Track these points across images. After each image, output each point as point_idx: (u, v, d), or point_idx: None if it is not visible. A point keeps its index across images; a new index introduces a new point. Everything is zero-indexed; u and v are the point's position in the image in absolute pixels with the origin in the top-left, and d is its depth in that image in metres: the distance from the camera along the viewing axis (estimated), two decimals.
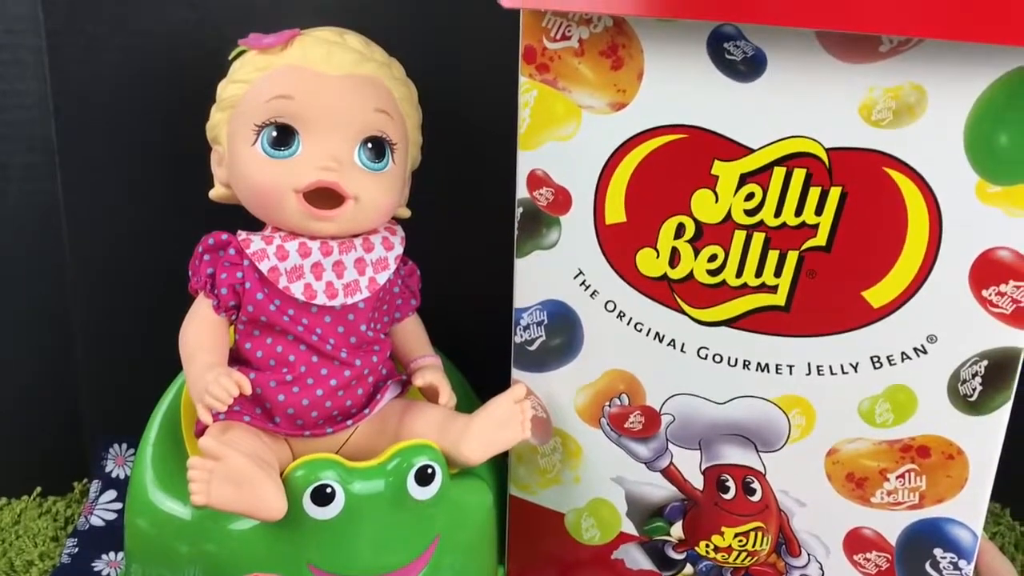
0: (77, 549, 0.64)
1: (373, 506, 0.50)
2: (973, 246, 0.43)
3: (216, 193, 0.57)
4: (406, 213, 0.60)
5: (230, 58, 0.55)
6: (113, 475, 0.69)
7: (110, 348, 0.68)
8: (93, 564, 0.63)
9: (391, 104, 0.55)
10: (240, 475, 0.47)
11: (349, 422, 0.55)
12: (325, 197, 0.52)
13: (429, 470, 0.51)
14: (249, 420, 0.53)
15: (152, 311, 0.62)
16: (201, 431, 0.55)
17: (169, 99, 0.64)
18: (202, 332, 0.54)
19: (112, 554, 0.63)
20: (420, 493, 0.51)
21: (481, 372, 0.62)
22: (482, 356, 0.62)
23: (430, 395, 0.58)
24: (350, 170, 0.53)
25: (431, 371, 0.59)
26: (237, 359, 0.56)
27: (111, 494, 0.68)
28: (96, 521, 0.66)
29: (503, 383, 0.57)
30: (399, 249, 0.57)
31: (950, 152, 0.42)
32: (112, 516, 0.67)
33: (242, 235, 0.54)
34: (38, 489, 0.71)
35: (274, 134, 0.52)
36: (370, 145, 0.54)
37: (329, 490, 0.49)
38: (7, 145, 0.63)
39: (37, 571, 0.63)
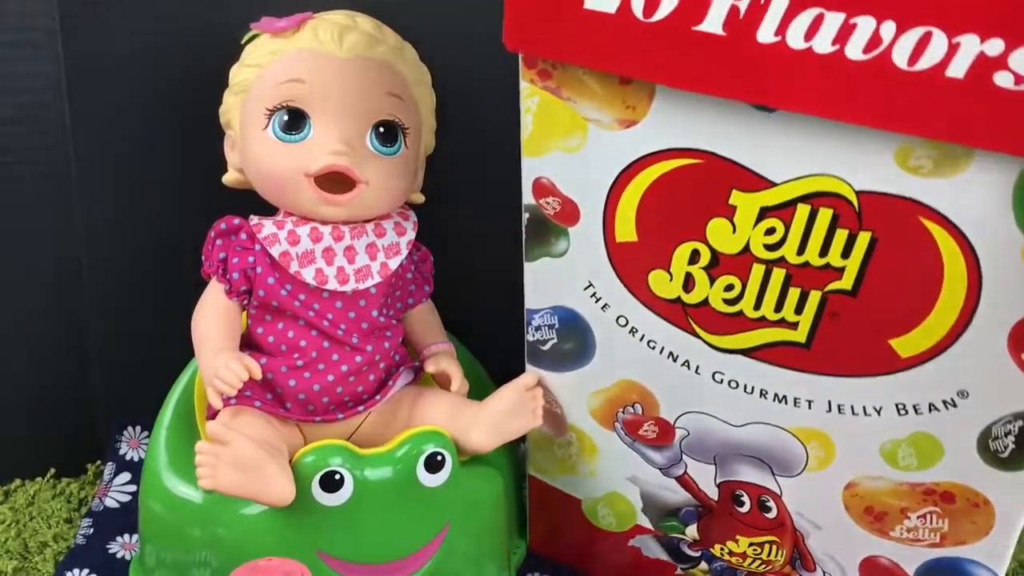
0: (92, 530, 0.63)
1: (382, 493, 0.50)
2: (1015, 308, 0.38)
3: (229, 178, 0.56)
4: (420, 198, 0.58)
5: (243, 42, 0.54)
6: (127, 457, 0.68)
7: (124, 330, 0.67)
8: (108, 546, 0.62)
9: (403, 88, 0.53)
10: (247, 460, 0.47)
11: (360, 408, 0.55)
12: (336, 182, 0.51)
13: (439, 457, 0.51)
14: (260, 405, 0.53)
15: (166, 294, 0.61)
16: (213, 416, 0.55)
17: (183, 83, 0.62)
18: (214, 316, 0.54)
19: (127, 536, 0.63)
20: (430, 480, 0.51)
21: (498, 358, 0.61)
22: (498, 341, 0.60)
23: (442, 382, 0.58)
24: (362, 154, 0.52)
25: (443, 358, 0.58)
26: (249, 344, 0.55)
27: (125, 476, 0.67)
28: (111, 503, 0.66)
29: (520, 369, 0.55)
30: (411, 234, 0.55)
31: (995, 210, 0.37)
32: (126, 498, 0.66)
33: (254, 220, 0.53)
34: (52, 471, 0.70)
35: (285, 118, 0.51)
36: (382, 129, 0.52)
37: (338, 476, 0.49)
38: (20, 128, 0.62)
39: (51, 552, 0.62)
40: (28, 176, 0.62)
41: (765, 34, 0.36)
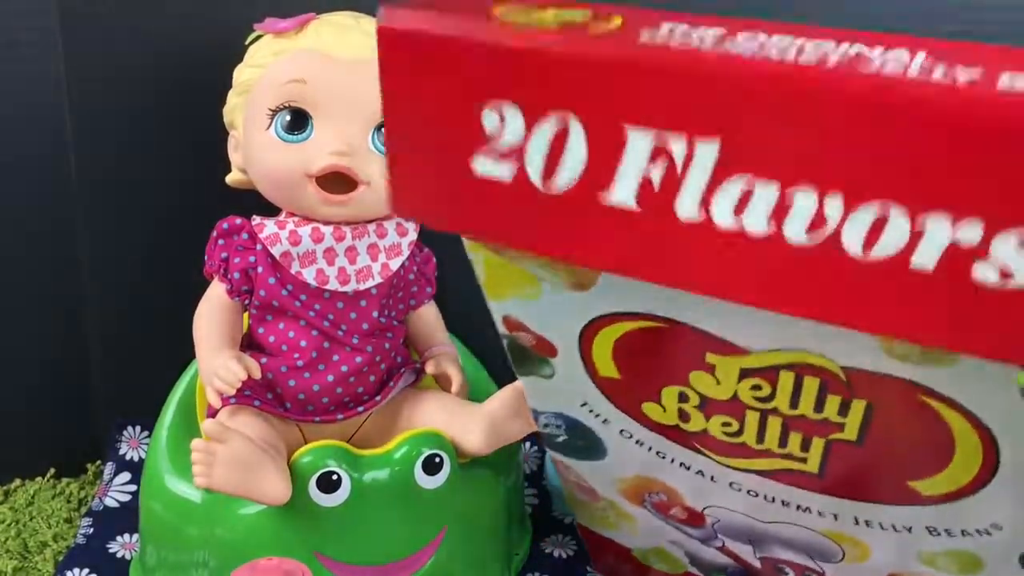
0: (92, 530, 0.62)
1: (380, 494, 0.50)
2: None
3: (233, 178, 0.57)
4: None
5: (247, 42, 0.55)
6: (127, 457, 0.67)
7: (125, 330, 0.67)
8: (108, 546, 0.61)
9: None
10: (243, 459, 0.47)
11: (360, 408, 0.55)
12: (338, 182, 0.52)
13: (437, 459, 0.51)
14: (259, 405, 0.54)
15: (168, 294, 0.61)
16: (212, 415, 0.55)
17: (185, 83, 0.61)
18: (215, 316, 0.54)
19: (127, 536, 0.62)
20: (428, 482, 0.51)
21: (500, 360, 0.58)
22: (501, 343, 0.57)
23: (443, 383, 0.58)
24: (364, 155, 0.52)
25: (444, 359, 0.58)
26: (250, 344, 0.56)
27: (125, 476, 0.66)
28: (111, 503, 0.65)
29: None
30: (413, 235, 0.55)
31: (1000, 387, 0.31)
32: (127, 498, 0.65)
33: (256, 220, 0.54)
34: (52, 471, 0.69)
35: (288, 118, 0.52)
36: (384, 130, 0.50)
37: (335, 477, 0.49)
38: (21, 127, 0.62)
39: (51, 552, 0.61)
40: (28, 176, 0.63)
41: (686, 210, 0.29)
